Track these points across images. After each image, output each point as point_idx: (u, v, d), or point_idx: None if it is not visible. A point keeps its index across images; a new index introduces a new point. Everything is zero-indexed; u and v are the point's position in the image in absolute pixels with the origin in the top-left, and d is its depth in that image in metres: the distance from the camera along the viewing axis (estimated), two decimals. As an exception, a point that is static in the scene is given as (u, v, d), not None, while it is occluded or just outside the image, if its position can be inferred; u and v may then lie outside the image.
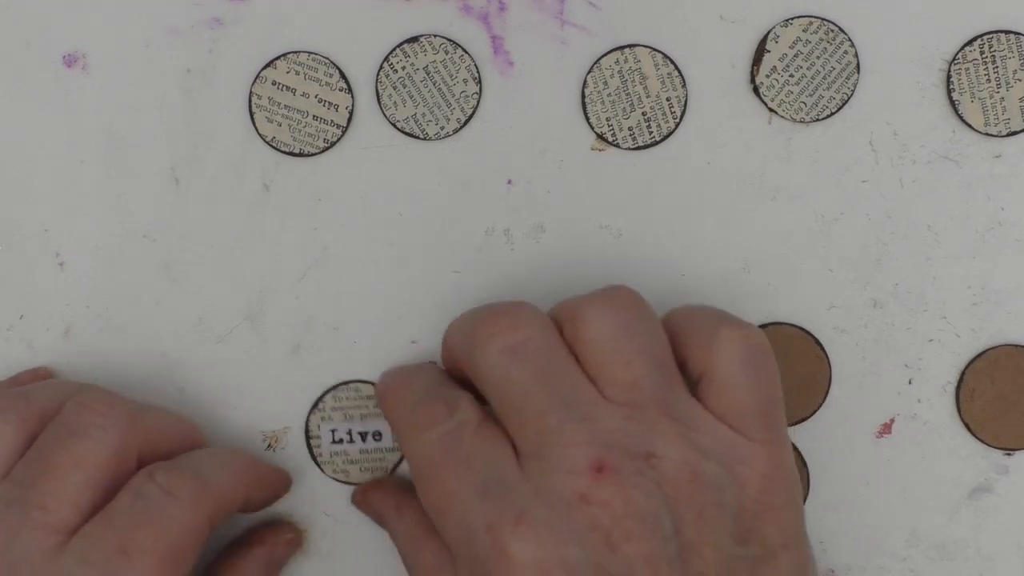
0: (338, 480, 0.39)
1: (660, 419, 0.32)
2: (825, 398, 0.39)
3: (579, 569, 0.30)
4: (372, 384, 0.39)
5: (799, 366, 0.38)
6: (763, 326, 0.38)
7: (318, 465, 0.39)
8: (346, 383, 0.39)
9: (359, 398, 0.39)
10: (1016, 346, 0.38)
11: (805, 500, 0.39)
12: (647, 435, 0.31)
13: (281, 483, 0.38)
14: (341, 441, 0.39)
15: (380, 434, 0.39)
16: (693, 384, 0.33)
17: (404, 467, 0.39)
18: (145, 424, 0.35)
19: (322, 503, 0.39)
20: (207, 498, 0.34)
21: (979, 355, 0.38)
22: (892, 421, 0.39)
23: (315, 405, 0.39)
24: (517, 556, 0.30)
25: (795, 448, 0.39)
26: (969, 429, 0.38)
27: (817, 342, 0.38)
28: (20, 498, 0.33)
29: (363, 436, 0.39)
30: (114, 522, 0.33)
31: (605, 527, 0.30)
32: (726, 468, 0.32)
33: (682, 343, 0.34)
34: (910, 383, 0.39)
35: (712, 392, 0.33)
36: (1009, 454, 0.39)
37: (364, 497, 0.38)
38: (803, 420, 0.39)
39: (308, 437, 0.39)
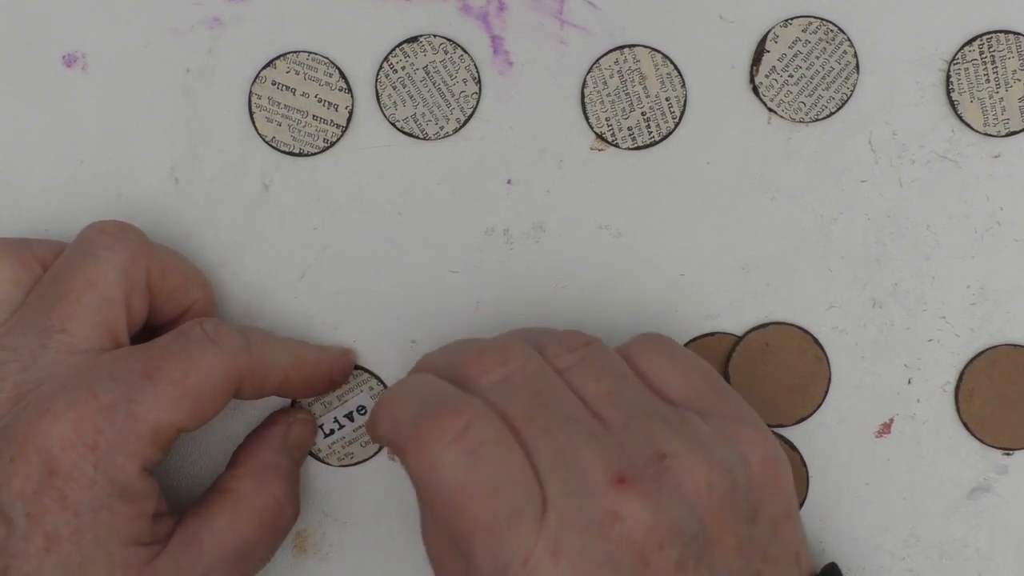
0: (346, 465, 0.39)
1: (651, 422, 0.32)
2: (824, 398, 0.39)
3: None
4: None
5: (799, 366, 0.38)
6: (763, 326, 0.38)
7: (323, 461, 0.39)
8: None
9: None
10: (1015, 346, 0.38)
11: (804, 500, 0.39)
12: (649, 439, 0.31)
13: (333, 378, 0.38)
14: (332, 432, 0.39)
15: (364, 408, 0.39)
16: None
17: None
18: (154, 249, 0.36)
19: (322, 503, 0.39)
20: (245, 357, 0.34)
21: (978, 355, 0.38)
22: (891, 421, 0.39)
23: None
24: None
25: (795, 448, 0.39)
26: (968, 429, 0.38)
27: (816, 342, 0.38)
28: (40, 324, 0.34)
29: (350, 416, 0.39)
30: (149, 351, 0.34)
31: (638, 542, 0.30)
32: (730, 449, 0.32)
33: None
34: (909, 383, 0.39)
35: (664, 388, 0.33)
36: (1008, 454, 0.39)
37: None
38: (803, 420, 0.39)
39: None
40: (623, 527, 0.30)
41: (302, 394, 0.37)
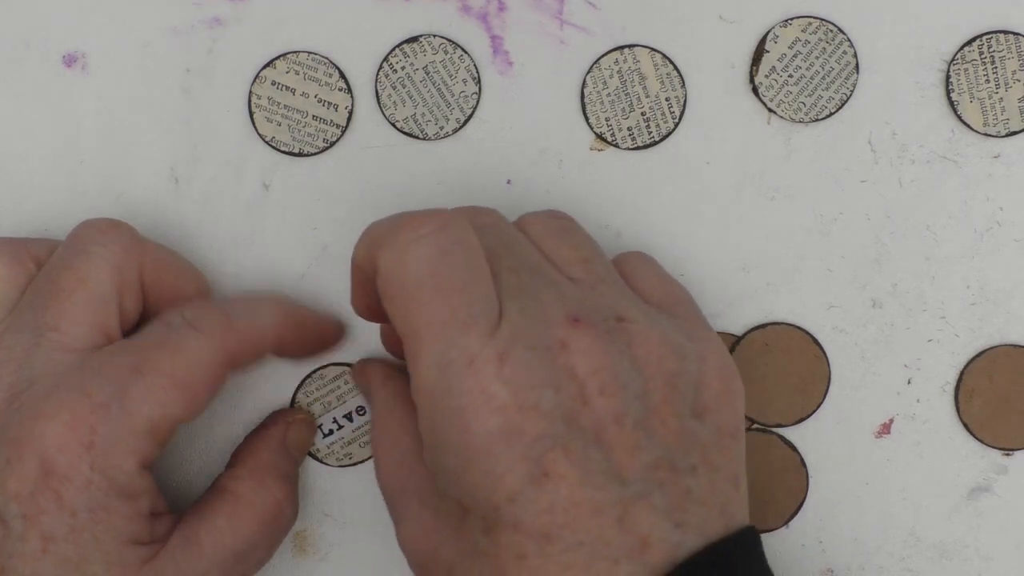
0: (346, 465, 0.39)
1: (618, 292, 0.33)
2: (824, 398, 0.39)
3: (552, 415, 0.30)
4: (335, 365, 0.39)
5: (798, 366, 0.38)
6: (762, 326, 0.38)
7: (322, 461, 0.39)
8: (309, 375, 0.39)
9: (327, 383, 0.39)
10: (1015, 346, 0.38)
11: (804, 500, 0.39)
12: (613, 303, 0.32)
13: (324, 331, 0.38)
14: (331, 432, 0.39)
15: (363, 408, 0.39)
16: None
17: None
18: (147, 247, 0.36)
19: (322, 504, 0.39)
20: (231, 335, 0.34)
21: (978, 355, 0.38)
22: (891, 421, 0.39)
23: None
24: (498, 396, 0.30)
25: (794, 448, 0.39)
26: (968, 429, 0.38)
27: (816, 342, 0.38)
28: (33, 322, 0.34)
29: (349, 417, 0.39)
30: (135, 344, 0.34)
31: (580, 377, 0.30)
32: (690, 342, 0.32)
33: None
34: (909, 383, 0.39)
35: (640, 289, 0.34)
36: (1008, 454, 0.39)
37: (362, 368, 0.38)
38: (803, 420, 0.39)
39: None
40: (569, 357, 0.30)
41: (299, 352, 0.37)
